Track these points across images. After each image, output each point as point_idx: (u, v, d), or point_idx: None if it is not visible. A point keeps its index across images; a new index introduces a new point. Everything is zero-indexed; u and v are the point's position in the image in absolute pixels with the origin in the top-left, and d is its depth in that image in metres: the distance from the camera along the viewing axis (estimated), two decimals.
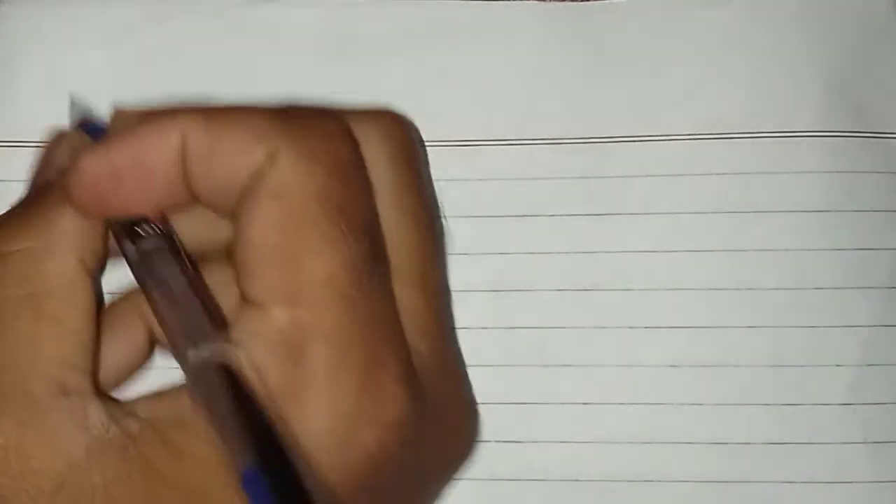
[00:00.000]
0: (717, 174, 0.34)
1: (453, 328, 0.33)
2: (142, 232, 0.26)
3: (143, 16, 0.35)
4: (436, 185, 0.33)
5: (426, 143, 0.34)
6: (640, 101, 0.35)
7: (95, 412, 0.24)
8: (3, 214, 0.27)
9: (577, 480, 0.32)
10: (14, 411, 0.24)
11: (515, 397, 0.33)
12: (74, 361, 0.25)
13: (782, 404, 0.33)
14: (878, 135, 0.34)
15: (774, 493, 0.32)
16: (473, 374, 0.32)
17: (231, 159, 0.25)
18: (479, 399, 0.32)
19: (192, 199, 0.26)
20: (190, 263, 0.26)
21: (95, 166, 0.25)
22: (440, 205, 0.33)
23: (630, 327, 0.33)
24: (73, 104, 0.32)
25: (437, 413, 0.27)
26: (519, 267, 0.34)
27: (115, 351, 0.28)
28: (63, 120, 0.33)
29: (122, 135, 0.25)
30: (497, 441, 0.33)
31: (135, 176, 0.25)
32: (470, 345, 0.33)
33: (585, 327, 0.33)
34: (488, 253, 0.34)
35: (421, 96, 0.34)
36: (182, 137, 0.25)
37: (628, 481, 0.33)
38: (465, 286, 0.33)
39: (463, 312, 0.33)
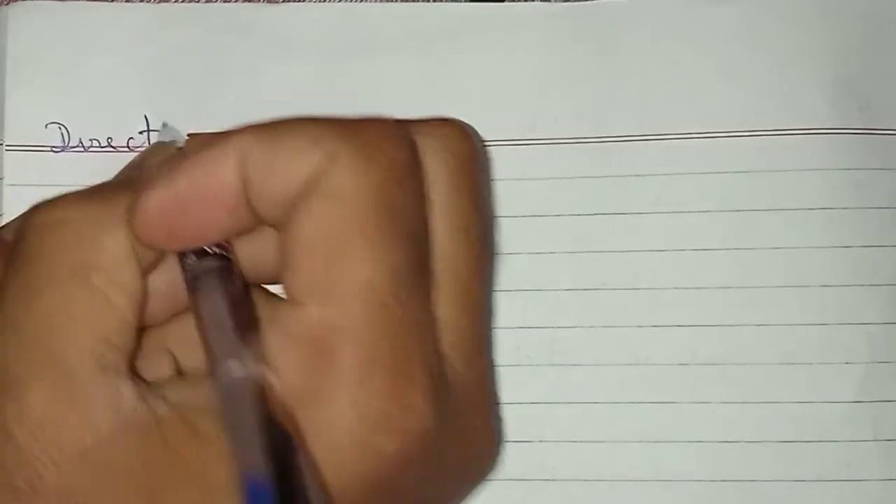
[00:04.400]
0: (725, 172, 0.34)
1: (491, 347, 0.33)
2: (200, 251, 0.26)
3: (154, 21, 0.35)
4: None
5: None
6: (647, 100, 0.35)
7: (127, 391, 0.24)
8: (71, 192, 0.26)
9: (587, 480, 0.32)
10: (49, 379, 0.24)
11: (524, 397, 0.33)
12: (114, 339, 0.25)
13: (791, 402, 0.33)
14: (884, 132, 0.34)
15: (784, 491, 0.32)
16: None
17: (289, 165, 0.24)
18: None
19: (256, 219, 0.25)
20: (244, 288, 0.26)
21: (159, 198, 0.25)
22: (495, 219, 0.33)
23: (638, 326, 0.33)
24: (165, 129, 0.32)
25: (463, 430, 0.27)
26: (527, 266, 0.34)
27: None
28: (68, 124, 0.34)
29: (181, 163, 0.25)
30: (507, 441, 0.33)
31: (199, 203, 0.25)
32: None
33: (594, 326, 0.33)
34: (497, 253, 0.34)
35: (429, 98, 0.34)
36: (240, 154, 0.25)
37: (638, 480, 0.33)
38: None
39: None
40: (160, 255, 0.26)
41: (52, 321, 0.24)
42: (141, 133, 0.34)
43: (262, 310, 0.27)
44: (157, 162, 0.29)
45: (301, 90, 0.35)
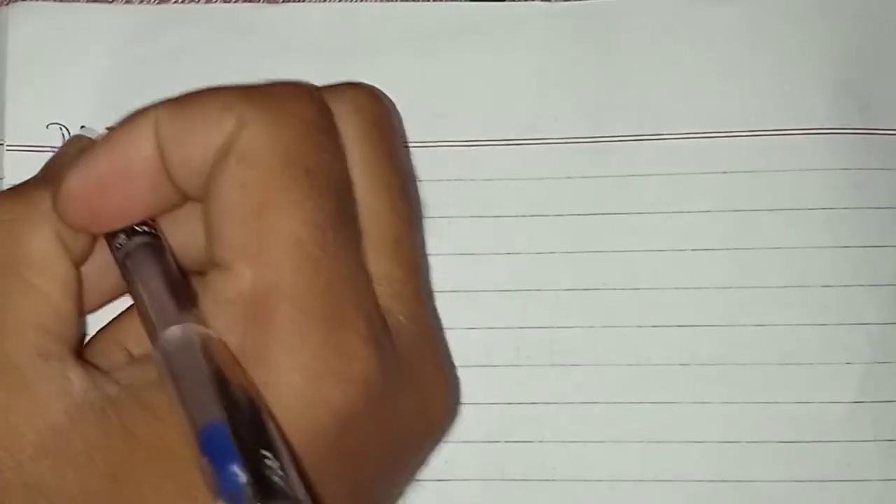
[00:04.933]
0: (724, 172, 0.34)
1: (430, 296, 0.33)
2: (129, 231, 0.26)
3: (154, 22, 0.35)
4: (444, 183, 0.33)
5: (434, 144, 0.34)
6: (647, 100, 0.35)
7: (75, 377, 0.24)
8: None
9: (586, 480, 0.32)
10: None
11: (524, 397, 0.33)
12: (52, 328, 0.25)
13: (791, 403, 0.33)
14: (884, 132, 0.34)
15: (784, 491, 0.32)
16: (482, 374, 0.32)
17: (201, 135, 0.25)
18: (488, 399, 0.33)
19: (178, 193, 0.26)
20: (176, 262, 0.27)
21: (81, 179, 0.25)
22: (415, 177, 0.34)
23: (638, 326, 0.33)
24: (84, 130, 0.33)
25: (412, 375, 0.27)
26: (528, 267, 0.34)
27: None
28: (68, 124, 0.34)
29: (98, 144, 0.26)
30: (507, 441, 0.33)
31: (120, 180, 0.25)
32: (479, 344, 0.33)
33: (594, 326, 0.33)
34: (497, 253, 0.34)
35: (429, 97, 0.34)
36: (154, 128, 0.25)
37: (638, 481, 0.33)
38: (475, 286, 0.33)
39: (473, 312, 0.33)
40: (91, 245, 0.26)
41: None
42: None
43: (196, 283, 0.27)
44: (74, 153, 0.29)
45: None
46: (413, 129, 0.34)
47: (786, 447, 0.32)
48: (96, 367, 0.26)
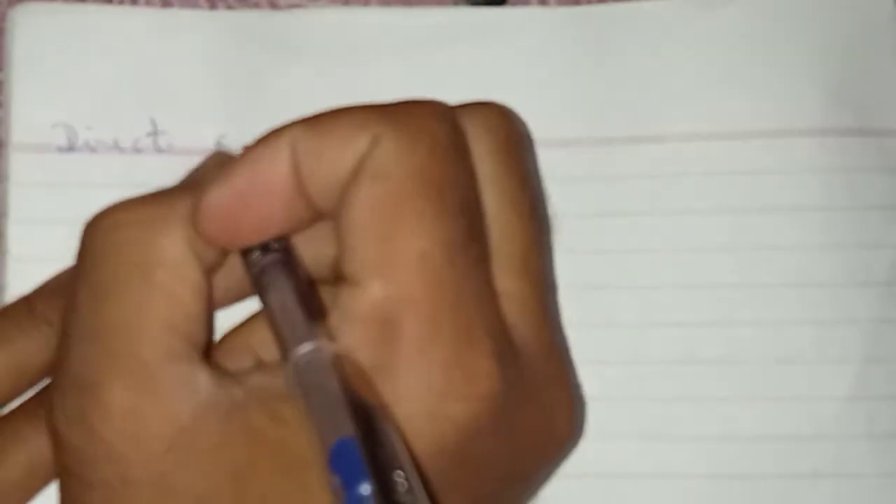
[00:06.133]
0: (720, 173, 0.34)
1: (558, 317, 0.33)
2: (262, 247, 0.26)
3: (155, 24, 0.35)
4: None
5: None
6: (643, 101, 0.35)
7: (203, 379, 0.25)
8: (129, 197, 0.27)
9: (583, 476, 0.33)
10: (126, 374, 0.25)
11: None
12: (182, 329, 0.25)
13: (788, 399, 0.33)
14: (879, 133, 0.35)
15: (781, 487, 0.33)
16: None
17: (337, 152, 0.25)
18: None
19: (312, 211, 0.26)
20: (308, 278, 0.27)
21: (219, 196, 0.25)
22: (545, 195, 0.34)
23: (636, 325, 0.34)
24: (219, 152, 0.33)
25: (537, 393, 0.27)
26: None
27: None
28: (74, 124, 0.34)
29: (236, 161, 0.26)
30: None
31: (257, 198, 0.25)
32: None
33: (592, 325, 0.34)
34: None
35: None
36: (291, 146, 0.25)
37: (636, 477, 0.33)
38: None
39: None
40: (221, 258, 0.26)
41: (121, 319, 0.25)
42: (148, 136, 0.34)
43: (325, 297, 0.27)
44: (212, 166, 0.29)
45: (304, 94, 0.35)
46: None
47: (782, 443, 0.33)
48: (224, 370, 0.26)
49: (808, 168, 0.34)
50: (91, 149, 0.34)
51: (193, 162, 0.33)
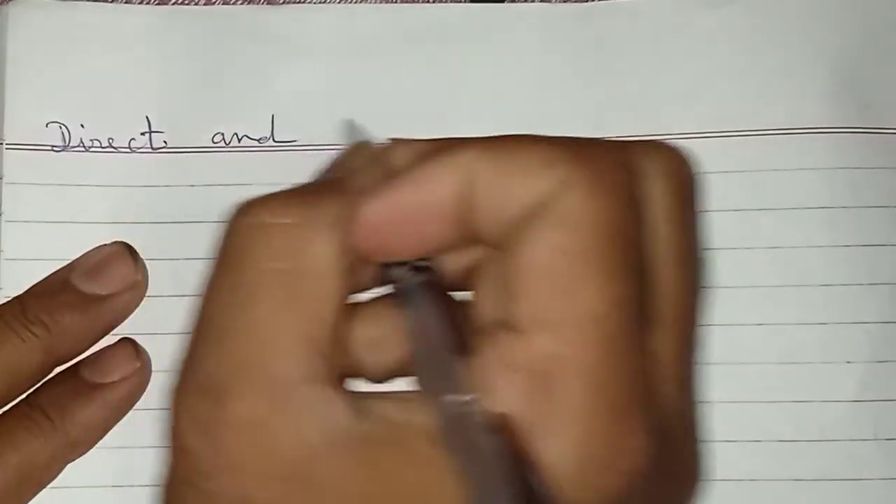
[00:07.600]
0: (724, 172, 0.34)
1: (699, 369, 0.33)
2: (409, 264, 0.25)
3: (154, 23, 0.35)
4: None
5: None
6: (645, 99, 0.35)
7: (338, 404, 0.23)
8: (276, 192, 0.25)
9: None
10: (264, 388, 0.23)
11: None
12: (324, 349, 0.24)
13: (793, 402, 0.33)
14: (884, 131, 0.34)
15: (786, 490, 0.32)
16: None
17: (519, 186, 0.24)
18: None
19: (471, 236, 0.25)
20: (454, 304, 0.26)
21: (379, 210, 0.24)
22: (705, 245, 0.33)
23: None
24: (352, 128, 0.30)
25: (676, 458, 0.26)
26: None
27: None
28: (68, 123, 0.34)
29: (404, 177, 0.25)
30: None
31: (419, 216, 0.24)
32: None
33: None
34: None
35: (430, 98, 0.34)
36: (466, 171, 0.24)
37: None
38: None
39: None
40: (358, 264, 0.25)
41: (261, 329, 0.24)
42: (143, 134, 0.34)
43: (471, 325, 0.26)
44: (362, 164, 0.27)
45: (303, 91, 0.35)
46: (413, 129, 0.34)
47: (787, 446, 0.33)
48: (357, 394, 0.24)
49: (813, 167, 0.34)
50: (86, 148, 0.34)
51: (193, 161, 0.33)
